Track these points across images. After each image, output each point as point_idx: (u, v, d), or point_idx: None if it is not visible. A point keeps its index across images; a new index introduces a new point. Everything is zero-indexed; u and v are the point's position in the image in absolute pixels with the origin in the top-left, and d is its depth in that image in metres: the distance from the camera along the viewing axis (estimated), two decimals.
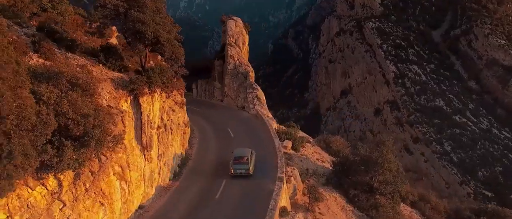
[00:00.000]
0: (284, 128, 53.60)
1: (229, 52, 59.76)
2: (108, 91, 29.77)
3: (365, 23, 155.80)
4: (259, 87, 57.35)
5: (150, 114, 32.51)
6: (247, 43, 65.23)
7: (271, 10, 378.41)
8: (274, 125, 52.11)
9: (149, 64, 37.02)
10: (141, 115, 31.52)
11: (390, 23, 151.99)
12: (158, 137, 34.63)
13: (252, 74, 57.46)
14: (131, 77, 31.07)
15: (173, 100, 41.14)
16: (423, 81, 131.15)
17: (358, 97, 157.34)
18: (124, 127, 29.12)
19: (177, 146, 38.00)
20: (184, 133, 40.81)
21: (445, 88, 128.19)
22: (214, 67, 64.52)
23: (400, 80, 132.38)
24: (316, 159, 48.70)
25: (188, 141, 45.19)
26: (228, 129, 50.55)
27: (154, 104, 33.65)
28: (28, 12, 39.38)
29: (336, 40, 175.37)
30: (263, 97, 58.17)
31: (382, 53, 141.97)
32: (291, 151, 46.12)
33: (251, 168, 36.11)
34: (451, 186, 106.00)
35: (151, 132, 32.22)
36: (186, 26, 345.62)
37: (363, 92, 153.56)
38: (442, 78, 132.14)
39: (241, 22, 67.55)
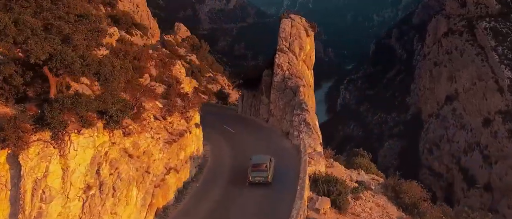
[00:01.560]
0: (338, 166, 36.82)
1: (276, 60, 44.65)
2: None
3: (477, 22, 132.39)
4: (309, 108, 41.17)
5: (46, 176, 18.31)
6: (308, 48, 48.67)
7: (376, 8, 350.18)
8: (321, 163, 35.54)
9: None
10: (21, 180, 17.43)
11: (508, 23, 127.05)
12: (83, 204, 20.44)
13: (303, 90, 41.44)
14: (2, 121, 17.13)
15: (166, 131, 26.95)
16: None
17: (465, 105, 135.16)
18: None
19: (129, 211, 23.39)
20: (157, 187, 26.01)
21: None
22: (262, 77, 49.82)
23: None
24: None
25: (181, 187, 30.42)
26: None
27: (73, 156, 19.50)
28: None
29: (443, 41, 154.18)
30: (314, 121, 41.36)
31: (497, 56, 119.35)
32: (329, 214, 29.27)
33: (269, 175, 32.27)
34: None
35: (40, 208, 18.01)
36: None
37: (471, 100, 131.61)
38: None
39: (302, 21, 50.49)
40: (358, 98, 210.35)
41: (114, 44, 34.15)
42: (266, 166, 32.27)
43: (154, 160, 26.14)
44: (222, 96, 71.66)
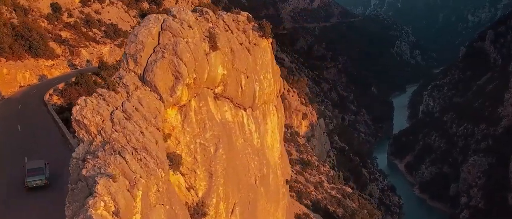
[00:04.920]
0: None
1: (75, 110, 17.13)
2: None
3: None
4: None
5: None
6: (220, 73, 22.88)
7: (471, 8, 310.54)
8: None
9: None
10: None
11: None
12: None
13: (107, 187, 13.83)
14: None
15: None
16: None
17: None
18: None
19: None
20: None
21: None
22: None
23: None
24: None
25: None
26: None
27: None
28: None
29: None
30: None
31: None
32: None
33: (47, 177, 27.28)
34: None
35: None
36: (374, 24, 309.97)
37: None
38: None
39: (215, 19, 24.15)
40: (442, 106, 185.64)
41: None
42: (42, 170, 28.02)
43: None
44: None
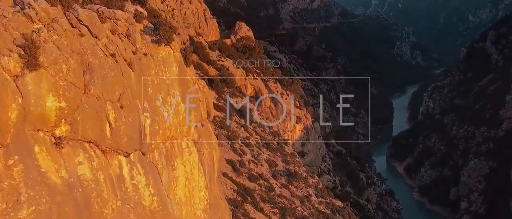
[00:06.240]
0: None
1: None
2: None
3: None
4: None
5: None
6: (41, 105, 11.24)
7: (472, 8, 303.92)
8: None
9: None
10: None
11: None
12: None
13: None
14: None
15: None
16: None
17: None
18: None
19: None
20: None
21: None
22: None
23: None
24: None
25: None
26: None
27: None
28: None
29: None
30: None
31: None
32: None
33: None
34: None
35: None
36: (374, 24, 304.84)
37: None
38: None
39: (3, 16, 11.07)
40: (443, 108, 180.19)
41: None
42: None
43: None
44: None
